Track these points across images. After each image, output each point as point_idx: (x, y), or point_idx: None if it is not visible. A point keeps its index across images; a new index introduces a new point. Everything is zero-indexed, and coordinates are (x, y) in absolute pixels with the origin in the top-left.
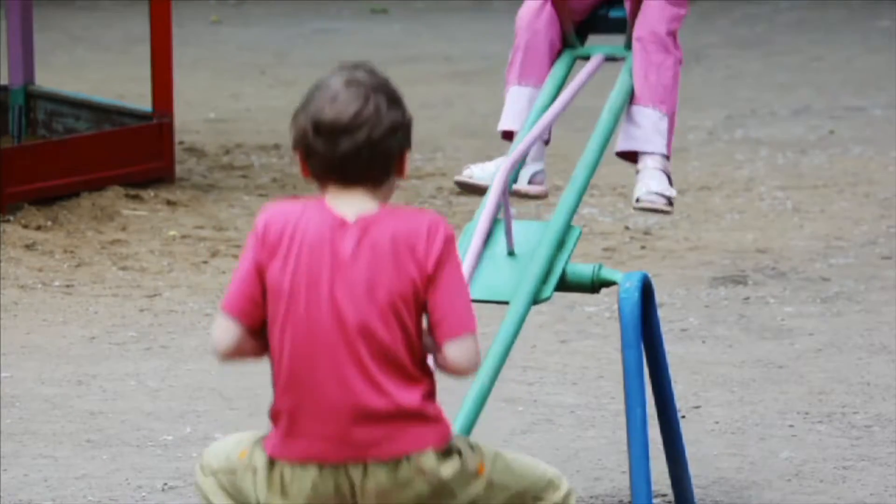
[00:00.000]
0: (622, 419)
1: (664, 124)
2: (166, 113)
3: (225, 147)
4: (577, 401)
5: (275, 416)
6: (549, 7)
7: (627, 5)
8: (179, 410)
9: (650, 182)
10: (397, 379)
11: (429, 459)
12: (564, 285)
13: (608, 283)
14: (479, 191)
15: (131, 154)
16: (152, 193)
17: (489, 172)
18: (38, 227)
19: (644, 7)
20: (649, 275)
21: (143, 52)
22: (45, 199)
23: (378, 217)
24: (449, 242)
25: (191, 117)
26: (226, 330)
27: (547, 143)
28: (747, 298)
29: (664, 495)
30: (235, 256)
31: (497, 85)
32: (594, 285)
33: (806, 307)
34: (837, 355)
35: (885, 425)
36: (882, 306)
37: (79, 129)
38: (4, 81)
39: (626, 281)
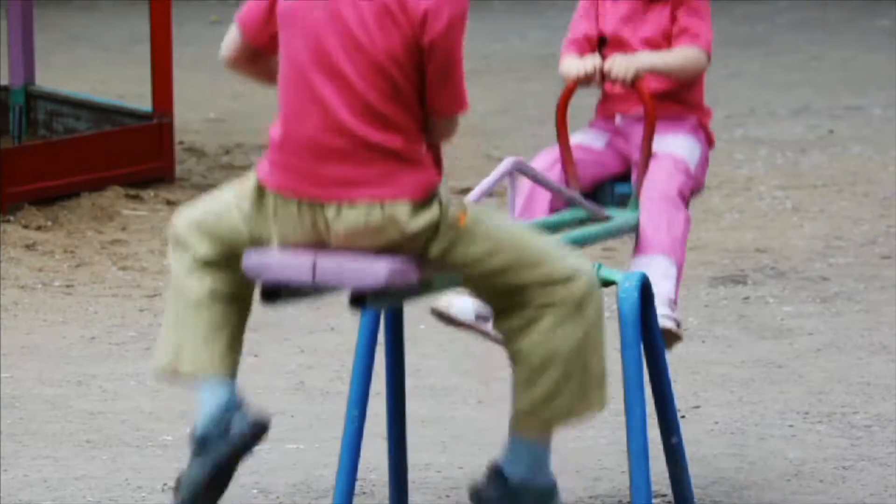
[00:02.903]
0: (622, 419)
1: (673, 272)
2: (166, 113)
3: (225, 147)
4: None
5: (271, 140)
6: (559, 167)
7: (634, 174)
8: (179, 410)
9: (659, 308)
10: (373, 123)
11: (402, 210)
12: None
13: (607, 283)
14: (454, 323)
15: (131, 154)
16: (152, 193)
17: (467, 307)
18: (38, 227)
19: (651, 174)
20: (649, 275)
21: (143, 52)
22: (45, 199)
23: None
24: (457, 18)
25: (191, 117)
26: (231, 38)
27: None
28: (747, 298)
29: (664, 495)
30: None
31: (497, 84)
32: None
33: (806, 307)
34: (837, 355)
35: (885, 425)
36: (882, 306)
37: (79, 129)
38: (4, 81)
39: (626, 281)
